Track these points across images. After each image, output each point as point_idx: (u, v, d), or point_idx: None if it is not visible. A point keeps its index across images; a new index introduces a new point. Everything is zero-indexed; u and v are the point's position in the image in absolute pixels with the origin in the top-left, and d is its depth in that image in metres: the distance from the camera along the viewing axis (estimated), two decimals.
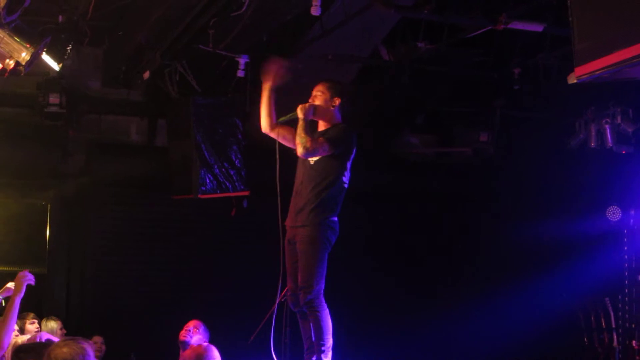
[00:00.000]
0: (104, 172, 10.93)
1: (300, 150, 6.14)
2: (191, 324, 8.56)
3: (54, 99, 10.00)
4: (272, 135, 6.47)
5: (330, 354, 6.22)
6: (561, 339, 11.71)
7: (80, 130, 10.87)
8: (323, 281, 6.17)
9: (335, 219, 6.24)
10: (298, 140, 6.14)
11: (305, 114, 6.22)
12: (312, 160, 6.27)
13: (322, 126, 6.43)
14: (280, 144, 6.45)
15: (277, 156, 6.37)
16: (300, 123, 6.18)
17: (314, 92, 6.40)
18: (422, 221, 12.23)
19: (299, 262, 6.22)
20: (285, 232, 6.41)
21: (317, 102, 6.36)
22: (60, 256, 11.06)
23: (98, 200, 11.18)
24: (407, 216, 12.24)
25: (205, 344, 7.92)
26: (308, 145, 6.11)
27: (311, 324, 6.19)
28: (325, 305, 6.19)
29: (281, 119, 6.42)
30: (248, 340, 8.40)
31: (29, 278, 6.06)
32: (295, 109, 6.28)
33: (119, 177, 10.86)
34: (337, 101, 6.37)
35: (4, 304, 5.94)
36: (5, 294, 6.00)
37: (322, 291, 6.17)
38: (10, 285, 6.04)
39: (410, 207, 12.23)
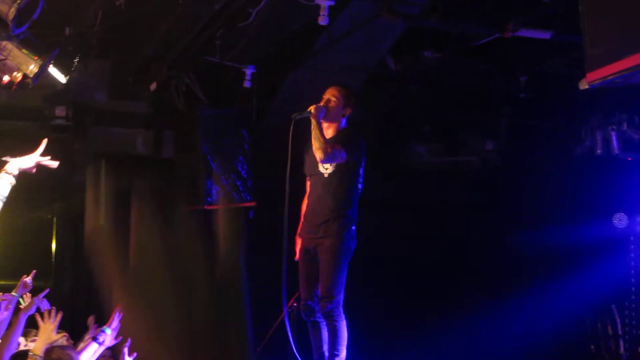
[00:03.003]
0: (110, 184, 10.88)
1: (319, 155, 6.19)
2: None
3: (60, 111, 10.01)
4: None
5: None
6: (568, 346, 11.65)
7: (87, 143, 10.85)
8: (343, 291, 6.20)
9: (354, 227, 6.28)
10: (317, 144, 6.17)
11: (318, 114, 6.28)
12: (326, 172, 6.30)
13: (329, 129, 6.46)
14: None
15: (290, 156, 6.35)
16: (315, 125, 6.24)
17: (328, 96, 6.45)
18: (429, 230, 12.19)
19: (320, 272, 6.25)
20: (292, 241, 6.43)
21: (330, 106, 6.40)
22: (66, 270, 11.00)
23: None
24: (414, 225, 12.20)
25: None
26: (329, 150, 6.16)
27: (327, 334, 6.19)
28: (343, 316, 6.21)
29: (294, 115, 6.44)
30: (257, 349, 8.42)
31: (44, 304, 5.77)
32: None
33: (125, 189, 10.82)
34: (348, 112, 6.46)
35: (22, 303, 5.80)
36: (21, 291, 5.86)
37: (342, 301, 6.19)
38: (27, 279, 5.91)
39: (418, 216, 12.20)
